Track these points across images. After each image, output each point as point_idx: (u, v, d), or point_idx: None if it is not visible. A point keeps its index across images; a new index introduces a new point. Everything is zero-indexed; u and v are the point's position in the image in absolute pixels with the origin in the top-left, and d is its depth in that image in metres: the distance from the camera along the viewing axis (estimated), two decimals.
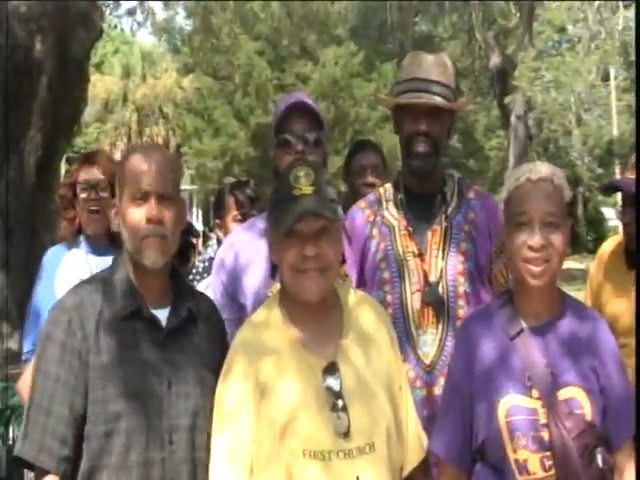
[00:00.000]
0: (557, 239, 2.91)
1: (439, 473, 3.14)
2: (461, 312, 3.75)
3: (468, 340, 3.08)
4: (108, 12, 18.74)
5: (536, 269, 2.90)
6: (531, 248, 2.89)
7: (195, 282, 5.37)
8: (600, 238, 35.79)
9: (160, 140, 40.39)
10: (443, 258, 3.78)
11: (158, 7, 58.40)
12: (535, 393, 2.90)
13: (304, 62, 33.52)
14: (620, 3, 25.06)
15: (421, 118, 3.75)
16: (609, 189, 4.25)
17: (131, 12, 23.52)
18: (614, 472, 2.92)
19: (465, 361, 3.04)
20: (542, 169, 3.00)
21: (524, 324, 2.99)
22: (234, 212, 5.36)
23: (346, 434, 2.72)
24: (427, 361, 3.72)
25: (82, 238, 4.41)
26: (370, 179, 5.22)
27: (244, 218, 5.11)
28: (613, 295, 4.07)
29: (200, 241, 9.76)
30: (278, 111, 3.78)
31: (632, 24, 25.52)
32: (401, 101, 3.80)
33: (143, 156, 2.91)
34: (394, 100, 3.86)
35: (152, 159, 2.89)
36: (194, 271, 5.63)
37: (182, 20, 42.90)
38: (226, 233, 5.20)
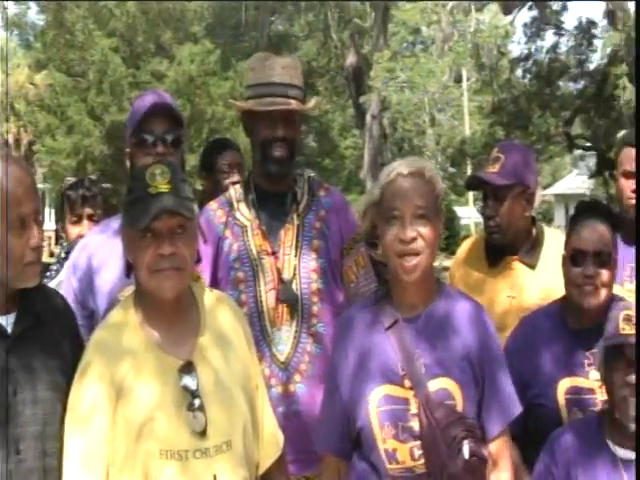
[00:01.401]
0: (428, 232, 2.95)
1: (324, 464, 3.18)
2: (315, 309, 3.79)
3: (345, 330, 3.11)
4: None
5: (408, 265, 2.93)
6: (402, 241, 2.92)
7: (46, 280, 5.22)
8: (452, 236, 36.49)
9: (11, 138, 39.43)
10: (296, 256, 3.81)
11: (10, 1, 57.04)
12: (407, 383, 2.94)
13: (159, 59, 33.17)
14: (473, 6, 25.58)
15: (278, 123, 3.77)
16: (472, 183, 4.32)
17: None
18: (489, 463, 2.96)
19: (342, 351, 3.07)
20: (413, 163, 3.04)
21: (399, 315, 3.02)
22: (68, 214, 5.13)
23: (203, 433, 2.72)
24: (282, 358, 3.74)
25: None
26: (237, 177, 5.21)
27: (79, 219, 4.95)
28: (468, 293, 4.13)
29: (53, 241, 9.56)
30: (137, 109, 3.73)
31: (483, 27, 26.11)
32: (258, 108, 3.80)
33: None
34: (250, 106, 3.84)
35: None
36: (47, 273, 5.49)
37: (34, 15, 42.04)
38: (66, 236, 5.04)
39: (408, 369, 2.95)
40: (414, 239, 2.92)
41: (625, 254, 4.09)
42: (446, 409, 2.92)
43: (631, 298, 3.98)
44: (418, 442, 2.90)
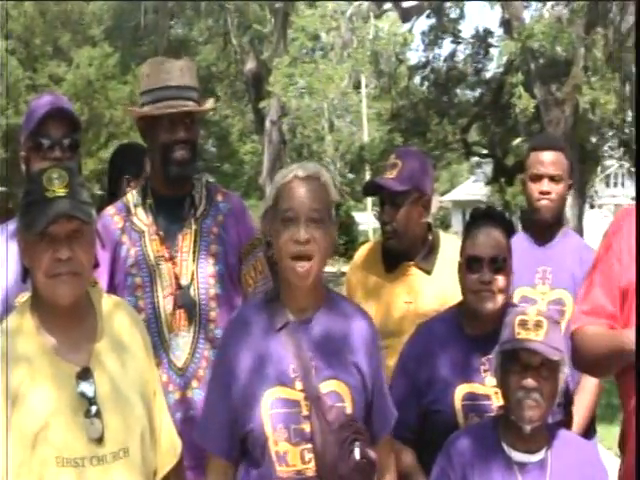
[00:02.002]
0: (321, 236, 2.96)
1: (209, 465, 3.14)
2: (213, 314, 3.79)
3: (236, 330, 3.10)
4: None
5: (302, 270, 2.93)
6: (297, 242, 2.92)
7: None
8: (351, 242, 36.79)
9: None
10: (194, 261, 3.79)
11: None
12: (299, 385, 2.95)
13: (57, 62, 32.79)
14: (371, 13, 25.77)
15: (177, 126, 3.75)
16: (370, 189, 4.36)
17: None
18: (375, 465, 3.02)
19: (232, 352, 3.05)
20: (309, 167, 3.06)
21: (290, 317, 3.03)
22: None
23: (100, 440, 2.69)
24: (179, 364, 3.73)
25: None
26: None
27: None
28: (366, 299, 4.16)
29: None
30: (33, 112, 3.69)
31: (382, 34, 26.32)
32: (157, 112, 3.75)
33: None
34: (148, 111, 3.80)
35: None
36: None
37: None
38: None
39: (300, 371, 2.97)
40: (308, 241, 2.93)
41: (537, 256, 4.21)
42: (337, 411, 2.94)
43: (543, 300, 4.09)
44: (309, 445, 2.92)
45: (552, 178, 4.26)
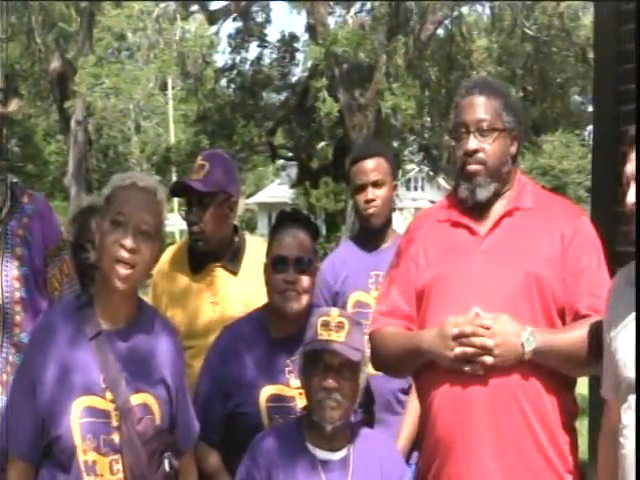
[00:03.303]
0: (147, 249, 2.97)
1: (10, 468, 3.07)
2: (18, 318, 3.72)
3: (44, 335, 3.04)
4: None
5: (124, 272, 2.93)
6: (123, 247, 2.92)
7: None
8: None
9: None
10: None
11: None
12: (109, 395, 2.94)
13: None
14: (178, 15, 25.70)
15: None
16: (177, 190, 4.34)
17: None
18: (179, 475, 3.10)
19: (41, 358, 2.99)
20: (149, 180, 3.09)
21: (104, 326, 3.02)
22: None
23: None
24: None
25: None
26: None
27: None
28: (172, 301, 4.20)
29: None
30: None
31: (189, 36, 26.26)
32: None
33: None
34: None
35: None
36: None
37: None
38: None
39: (110, 382, 2.96)
40: (134, 250, 2.94)
41: (369, 261, 4.28)
42: (147, 423, 2.97)
43: None
44: (118, 456, 2.92)
45: (374, 184, 4.31)
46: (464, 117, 3.32)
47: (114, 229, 2.95)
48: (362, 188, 4.33)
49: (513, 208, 3.34)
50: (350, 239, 4.51)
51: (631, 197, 2.90)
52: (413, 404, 3.94)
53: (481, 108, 3.30)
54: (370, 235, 4.41)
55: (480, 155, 3.28)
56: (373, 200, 4.31)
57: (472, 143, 3.28)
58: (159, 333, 3.13)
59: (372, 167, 4.33)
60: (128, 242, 2.93)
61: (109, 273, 2.96)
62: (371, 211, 4.33)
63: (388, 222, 4.42)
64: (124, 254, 2.93)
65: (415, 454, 3.98)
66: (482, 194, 3.30)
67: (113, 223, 2.96)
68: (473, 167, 3.29)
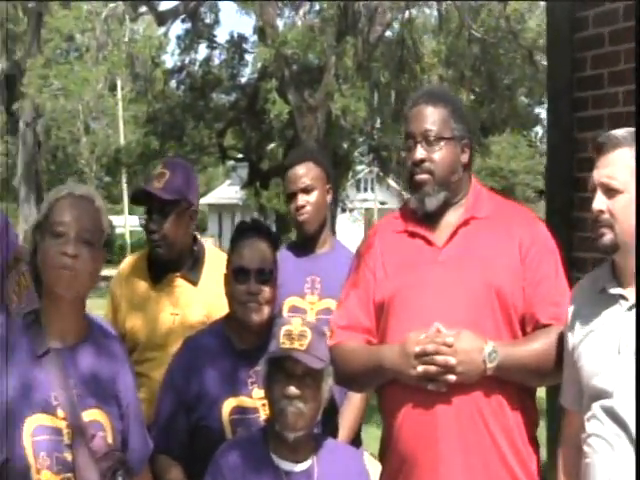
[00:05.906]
0: (88, 257, 2.95)
1: None
2: None
3: None
4: None
5: (66, 274, 2.91)
6: (64, 254, 2.90)
7: None
8: (108, 244, 36.27)
9: None
10: None
11: None
12: (61, 413, 2.92)
13: None
14: (127, 16, 25.58)
15: None
16: (138, 197, 4.30)
17: None
18: None
19: None
20: (85, 189, 3.09)
21: (52, 343, 2.99)
22: None
23: None
24: None
25: None
26: None
27: None
28: (131, 311, 4.18)
29: None
30: None
31: (138, 37, 26.15)
32: None
33: None
34: None
35: None
36: None
37: None
38: None
39: (61, 399, 2.93)
40: (76, 256, 2.92)
41: (304, 266, 4.28)
42: (99, 441, 2.95)
43: (312, 310, 4.17)
44: (70, 474, 2.90)
45: (304, 190, 4.28)
46: (411, 128, 3.35)
47: (54, 240, 2.95)
48: (293, 195, 4.31)
49: (469, 217, 3.36)
50: (287, 245, 4.51)
51: (597, 204, 2.94)
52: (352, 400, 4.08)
53: (428, 118, 3.33)
54: (305, 240, 4.39)
55: (427, 165, 3.31)
56: (303, 207, 4.28)
57: (419, 153, 3.31)
58: (109, 349, 3.12)
59: (301, 173, 4.30)
60: (70, 249, 2.92)
61: (54, 282, 2.96)
62: (302, 218, 4.30)
63: (323, 226, 4.38)
64: (66, 260, 2.92)
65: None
66: (431, 203, 3.33)
67: (53, 235, 2.95)
68: (420, 177, 3.32)
